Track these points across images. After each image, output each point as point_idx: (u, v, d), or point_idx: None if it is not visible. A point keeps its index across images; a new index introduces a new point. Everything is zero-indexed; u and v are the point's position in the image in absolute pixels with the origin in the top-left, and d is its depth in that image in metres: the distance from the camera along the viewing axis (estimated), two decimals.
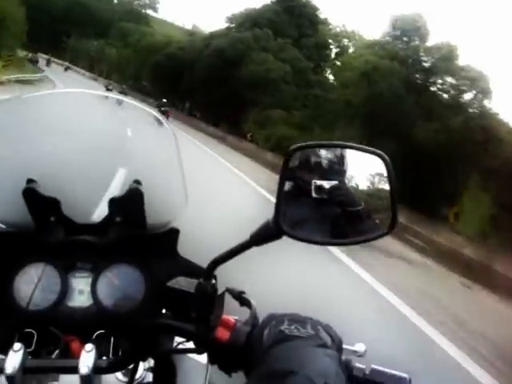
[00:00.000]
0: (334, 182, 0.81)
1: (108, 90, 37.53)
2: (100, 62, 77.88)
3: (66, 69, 64.58)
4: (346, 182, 0.83)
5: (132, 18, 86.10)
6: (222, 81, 41.00)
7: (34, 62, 61.63)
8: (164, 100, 39.46)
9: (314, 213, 0.82)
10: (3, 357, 0.89)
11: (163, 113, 29.57)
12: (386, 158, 0.79)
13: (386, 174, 0.80)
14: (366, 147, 0.80)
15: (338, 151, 0.85)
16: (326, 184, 0.81)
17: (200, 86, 43.04)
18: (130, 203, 1.14)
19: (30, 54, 65.49)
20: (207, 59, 43.84)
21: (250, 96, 38.52)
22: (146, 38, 66.03)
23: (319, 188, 0.81)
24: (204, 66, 43.32)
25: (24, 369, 0.88)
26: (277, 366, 0.67)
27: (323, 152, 0.85)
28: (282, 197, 0.79)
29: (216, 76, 40.85)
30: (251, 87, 38.57)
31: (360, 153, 0.82)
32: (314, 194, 0.80)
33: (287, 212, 0.80)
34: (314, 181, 0.81)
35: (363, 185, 0.85)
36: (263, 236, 0.79)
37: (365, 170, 0.84)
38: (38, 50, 70.65)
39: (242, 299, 0.91)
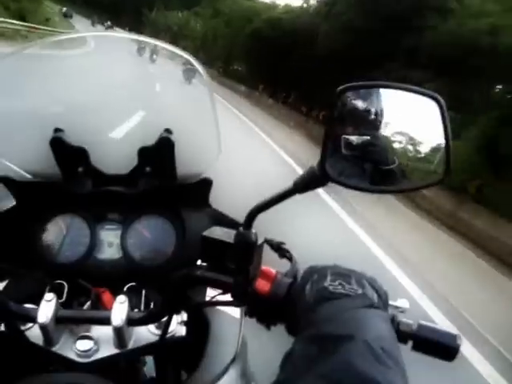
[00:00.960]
0: (366, 138, 0.76)
1: None
2: (183, 38, 61.37)
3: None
4: (384, 134, 0.78)
5: None
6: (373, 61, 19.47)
7: (68, 16, 58.68)
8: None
9: (351, 164, 0.78)
10: (35, 307, 0.87)
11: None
12: (442, 101, 0.73)
13: (440, 119, 0.74)
14: (421, 89, 0.74)
15: (380, 97, 0.79)
16: (357, 139, 0.76)
17: (323, 68, 22.77)
18: (160, 153, 1.11)
19: (65, 8, 62.76)
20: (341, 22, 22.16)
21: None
22: (240, 3, 49.48)
23: (349, 144, 0.76)
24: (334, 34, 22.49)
25: (56, 319, 0.86)
26: (328, 329, 0.63)
27: (372, 96, 0.79)
28: (328, 143, 0.74)
29: (361, 53, 19.75)
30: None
31: (412, 95, 0.76)
32: (343, 151, 0.75)
33: (333, 158, 0.75)
34: (343, 136, 0.76)
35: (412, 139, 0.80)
36: (307, 182, 0.75)
37: (416, 115, 0.79)
38: (116, 24, 66.88)
39: (281, 250, 0.87)
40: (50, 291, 0.91)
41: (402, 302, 0.82)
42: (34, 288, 1.01)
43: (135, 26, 72.43)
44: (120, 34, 1.32)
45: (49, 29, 26.81)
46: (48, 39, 1.08)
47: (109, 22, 64.15)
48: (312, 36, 24.60)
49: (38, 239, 1.10)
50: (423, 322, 0.76)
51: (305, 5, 33.42)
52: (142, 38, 1.19)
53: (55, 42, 1.10)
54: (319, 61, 23.39)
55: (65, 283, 1.02)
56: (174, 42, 55.67)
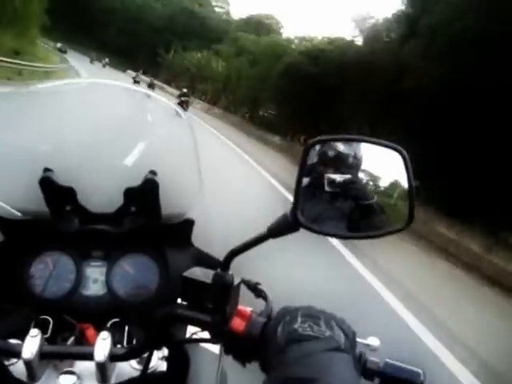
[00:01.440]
0: (347, 176, 0.82)
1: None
2: (203, 81, 55.66)
3: (151, 85, 41.61)
4: (361, 176, 0.83)
5: (250, 29, 63.01)
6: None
7: (63, 51, 58.61)
8: (185, 90, 34.15)
9: (329, 206, 0.83)
10: (20, 342, 0.90)
11: (182, 103, 28.40)
12: (405, 153, 0.79)
13: (403, 169, 0.80)
14: (386, 142, 0.80)
15: (355, 145, 0.85)
16: (339, 178, 0.81)
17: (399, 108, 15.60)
18: (145, 193, 1.15)
19: (60, 44, 62.13)
20: None
21: None
22: (267, 39, 43.99)
23: (332, 182, 0.81)
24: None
25: (41, 354, 0.89)
26: (295, 372, 0.67)
27: (340, 146, 0.85)
28: (300, 190, 0.79)
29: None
30: None
31: (378, 147, 0.82)
32: (326, 188, 0.81)
33: (305, 205, 0.80)
34: (326, 175, 0.81)
35: (380, 179, 0.86)
36: (280, 228, 0.80)
37: (382, 164, 0.84)
38: (132, 66, 65.12)
39: (257, 290, 0.92)
40: (35, 327, 0.93)
41: (372, 340, 0.87)
42: (20, 323, 1.03)
43: (150, 68, 69.25)
44: (111, 81, 1.36)
45: (45, 66, 26.73)
46: (45, 85, 1.13)
47: (107, 60, 62.30)
48: (371, 70, 17.43)
49: (24, 275, 1.12)
50: (389, 361, 0.81)
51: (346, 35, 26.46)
52: (130, 86, 1.24)
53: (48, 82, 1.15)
54: (390, 99, 15.95)
55: (50, 319, 1.05)
56: (192, 85, 52.62)
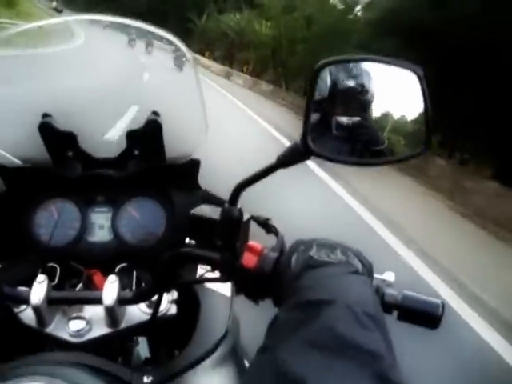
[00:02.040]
0: (356, 119, 0.77)
1: None
2: (244, 47, 40.34)
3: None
4: (373, 113, 0.78)
5: None
6: None
7: (59, 11, 56.00)
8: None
9: (339, 143, 0.78)
10: (28, 289, 0.88)
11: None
12: (420, 73, 0.74)
13: (420, 90, 0.75)
14: (400, 62, 0.75)
15: (369, 68, 0.79)
16: (347, 120, 0.77)
17: None
18: (148, 135, 1.12)
19: (55, 3, 60.91)
20: None
21: None
22: None
23: (340, 125, 0.76)
24: None
25: (49, 300, 0.88)
26: (311, 295, 0.64)
27: (352, 70, 0.80)
28: (309, 117, 0.75)
29: None
30: None
31: (392, 68, 0.77)
32: (334, 132, 0.76)
33: (314, 134, 0.76)
34: (334, 116, 0.76)
35: (393, 109, 0.81)
36: (291, 157, 0.76)
37: (397, 89, 0.79)
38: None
39: (267, 226, 0.88)
40: (42, 274, 0.92)
41: (387, 275, 0.84)
42: (27, 271, 1.02)
43: (180, 36, 60.56)
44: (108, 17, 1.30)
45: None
46: (30, 25, 1.08)
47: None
48: None
49: (29, 224, 1.10)
50: (407, 292, 0.78)
51: None
52: (120, 19, 1.18)
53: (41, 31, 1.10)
54: None
55: (57, 266, 1.03)
56: (230, 54, 42.44)
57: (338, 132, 0.77)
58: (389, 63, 0.76)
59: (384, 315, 0.66)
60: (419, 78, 0.74)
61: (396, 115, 0.81)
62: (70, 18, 1.19)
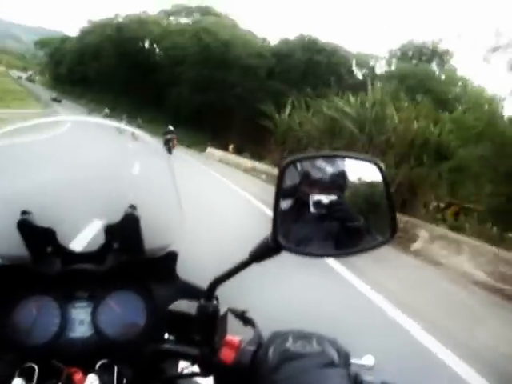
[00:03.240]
0: (333, 197, 0.80)
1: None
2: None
3: None
4: (345, 194, 0.82)
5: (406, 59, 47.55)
6: None
7: (58, 101, 58.21)
8: (170, 127, 29.82)
9: (312, 227, 0.81)
10: None
11: (168, 142, 26.89)
12: (381, 165, 0.78)
13: (381, 181, 0.79)
14: (362, 155, 0.80)
15: (335, 162, 0.84)
16: (325, 199, 0.80)
17: None
18: (126, 229, 1.13)
19: (55, 94, 62.16)
20: None
21: None
22: None
23: (318, 203, 0.79)
24: None
25: None
26: None
27: (321, 164, 0.84)
28: (278, 212, 0.78)
29: None
30: None
31: (356, 162, 0.81)
32: (312, 210, 0.79)
33: (285, 227, 0.79)
34: (311, 195, 0.80)
35: (362, 195, 0.85)
36: (262, 253, 0.78)
37: (363, 179, 0.83)
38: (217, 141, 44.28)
39: (244, 319, 0.89)
40: (19, 376, 0.90)
41: (366, 359, 0.84)
42: (3, 373, 1.00)
43: (248, 140, 42.25)
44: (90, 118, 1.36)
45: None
46: (24, 124, 1.11)
47: (106, 110, 48.91)
48: None
49: (7, 322, 1.09)
50: (387, 381, 0.78)
51: None
52: (109, 123, 1.23)
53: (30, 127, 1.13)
54: None
55: (35, 366, 1.01)
56: None
57: (316, 210, 0.80)
58: (352, 157, 0.81)
59: None
60: (380, 170, 0.78)
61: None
62: (63, 118, 1.22)
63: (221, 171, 25.33)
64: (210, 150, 41.68)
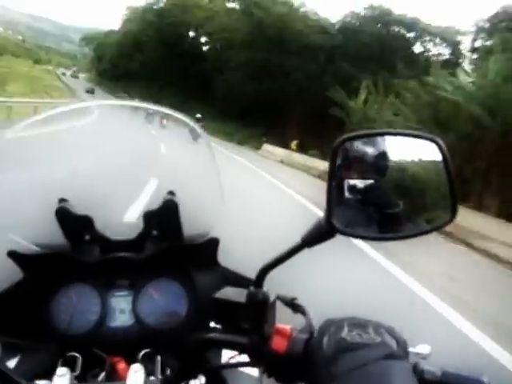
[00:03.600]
0: (369, 181, 0.76)
1: None
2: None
3: None
4: (389, 177, 0.78)
5: None
6: None
7: (90, 92, 58.53)
8: (198, 115, 26.37)
9: (357, 211, 0.77)
10: (49, 382, 0.85)
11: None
12: (441, 143, 0.73)
13: (441, 160, 0.74)
14: (420, 133, 0.75)
15: (384, 143, 0.79)
16: (360, 183, 0.76)
17: None
18: (165, 215, 1.11)
19: (90, 85, 62.66)
20: None
21: None
22: None
23: (353, 187, 0.76)
24: None
25: None
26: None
27: (366, 147, 0.80)
28: (332, 195, 0.74)
29: None
30: None
31: (411, 140, 0.76)
32: (346, 194, 0.75)
33: (337, 209, 0.75)
34: (346, 180, 0.76)
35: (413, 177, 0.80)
36: (315, 237, 0.74)
37: (415, 158, 0.79)
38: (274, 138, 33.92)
39: (294, 306, 0.86)
40: (62, 365, 0.89)
41: (422, 348, 0.80)
42: (47, 362, 0.99)
43: (312, 138, 33.12)
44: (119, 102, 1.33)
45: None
46: (53, 111, 1.09)
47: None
48: None
49: (48, 311, 1.08)
50: (448, 369, 0.74)
51: None
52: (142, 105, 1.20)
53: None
54: None
55: (78, 355, 1.00)
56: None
57: (350, 195, 0.76)
58: (408, 135, 0.76)
59: None
60: (440, 148, 0.73)
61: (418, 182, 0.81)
62: (94, 103, 1.20)
63: (290, 180, 16.73)
64: (267, 147, 32.42)
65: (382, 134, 0.79)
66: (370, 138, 0.79)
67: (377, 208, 0.77)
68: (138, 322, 1.10)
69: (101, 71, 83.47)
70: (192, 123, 1.17)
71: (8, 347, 0.95)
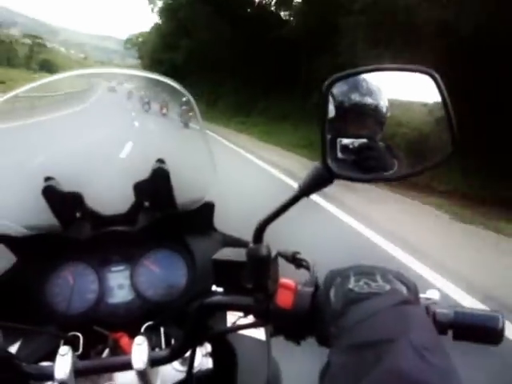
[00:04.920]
0: (362, 141, 0.73)
1: None
2: None
3: None
4: (383, 132, 0.74)
5: None
6: None
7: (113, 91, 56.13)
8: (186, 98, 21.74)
9: (347, 157, 0.74)
10: (52, 364, 0.83)
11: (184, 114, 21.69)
12: (437, 75, 0.70)
13: (438, 93, 0.71)
14: (413, 66, 0.71)
15: (378, 81, 0.75)
16: (352, 142, 0.72)
17: None
18: (156, 184, 1.08)
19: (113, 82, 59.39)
20: None
21: None
22: None
23: (345, 148, 0.72)
24: None
25: (75, 372, 0.82)
26: (365, 335, 0.57)
27: (359, 97, 0.75)
28: (325, 137, 0.71)
29: None
30: None
31: (405, 74, 0.73)
32: (339, 154, 0.72)
33: (334, 153, 0.71)
34: (338, 138, 0.72)
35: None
36: (313, 183, 0.71)
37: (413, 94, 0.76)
38: None
39: (297, 260, 0.82)
40: (64, 345, 0.86)
41: (431, 293, 0.78)
42: (49, 344, 0.97)
43: None
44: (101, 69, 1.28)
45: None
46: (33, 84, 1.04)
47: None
48: None
49: (45, 294, 1.06)
50: (459, 309, 0.72)
51: None
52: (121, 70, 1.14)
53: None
54: None
55: (79, 334, 0.97)
56: None
57: (343, 154, 0.73)
58: (400, 69, 0.73)
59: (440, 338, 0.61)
60: (435, 81, 0.70)
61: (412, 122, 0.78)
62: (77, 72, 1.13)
63: None
64: None
65: (373, 70, 0.75)
66: (362, 74, 0.74)
67: (371, 169, 0.74)
68: (137, 297, 1.08)
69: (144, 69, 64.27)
70: (188, 95, 1.11)
71: (9, 333, 0.93)
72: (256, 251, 0.73)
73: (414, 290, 0.69)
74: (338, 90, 0.73)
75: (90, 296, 1.07)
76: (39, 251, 1.06)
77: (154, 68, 51.79)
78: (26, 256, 1.06)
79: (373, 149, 0.73)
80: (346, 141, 0.73)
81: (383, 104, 0.75)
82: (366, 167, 0.73)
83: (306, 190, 0.71)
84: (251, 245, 0.74)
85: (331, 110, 0.74)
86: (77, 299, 1.06)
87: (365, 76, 0.74)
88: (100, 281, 1.08)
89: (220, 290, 0.81)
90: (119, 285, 1.09)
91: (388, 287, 0.66)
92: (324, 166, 0.69)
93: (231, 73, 35.64)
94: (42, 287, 1.06)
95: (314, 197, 0.74)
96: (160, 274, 1.09)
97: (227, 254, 0.80)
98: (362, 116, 0.76)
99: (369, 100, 0.76)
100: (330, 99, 0.73)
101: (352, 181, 0.72)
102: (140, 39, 72.51)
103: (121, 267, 1.10)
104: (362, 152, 0.73)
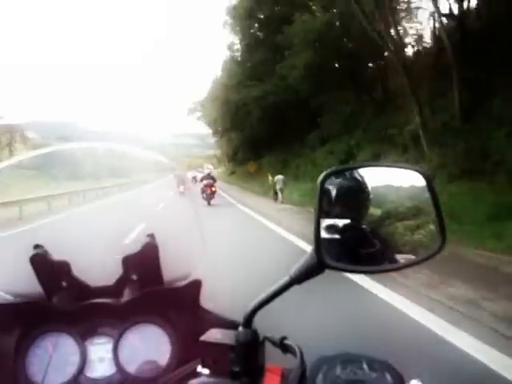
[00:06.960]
0: (346, 221, 0.75)
1: None
2: None
3: None
4: (368, 214, 0.77)
5: None
6: None
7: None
8: (209, 170, 21.71)
9: (332, 237, 0.76)
10: None
11: (207, 189, 19.27)
12: (428, 174, 0.73)
13: (427, 192, 0.74)
14: (406, 165, 0.75)
15: (368, 178, 0.79)
16: (338, 223, 0.75)
17: None
18: (144, 259, 1.08)
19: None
20: None
21: None
22: None
23: (331, 227, 0.75)
24: None
25: None
26: None
27: (347, 182, 0.79)
28: (319, 228, 0.73)
29: None
30: None
31: (396, 171, 0.76)
32: (323, 234, 0.74)
33: (326, 244, 0.73)
34: (323, 220, 0.74)
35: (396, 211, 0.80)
36: (304, 272, 0.73)
37: (401, 190, 0.79)
38: None
39: (284, 346, 0.82)
40: None
41: (415, 383, 0.78)
42: None
43: None
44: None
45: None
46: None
47: None
48: None
49: (22, 364, 1.02)
50: None
51: None
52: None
53: None
54: None
55: None
56: None
57: (328, 233, 0.75)
58: (393, 166, 0.76)
59: None
60: (427, 179, 0.74)
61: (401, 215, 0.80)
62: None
63: None
64: None
65: (367, 166, 0.79)
66: (353, 170, 0.78)
67: (353, 247, 0.76)
68: (119, 371, 1.05)
69: (229, 157, 52.82)
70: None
71: None
72: (245, 336, 0.74)
73: (398, 379, 0.70)
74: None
75: (69, 369, 1.04)
76: (20, 319, 1.04)
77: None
78: (6, 323, 1.04)
79: (356, 229, 0.76)
80: (330, 221, 0.75)
81: (368, 191, 0.78)
82: (356, 258, 0.75)
83: (298, 279, 0.73)
84: (240, 328, 0.75)
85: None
86: (55, 371, 1.03)
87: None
88: (81, 353, 1.05)
89: (206, 371, 0.80)
90: (100, 358, 1.06)
91: (374, 375, 0.68)
92: (317, 257, 0.71)
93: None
94: (19, 356, 1.03)
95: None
96: (143, 348, 1.07)
97: (215, 335, 0.79)
98: (347, 201, 0.79)
99: (354, 186, 0.79)
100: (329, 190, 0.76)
101: (344, 272, 0.74)
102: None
103: (103, 339, 1.07)
104: (345, 232, 0.75)
